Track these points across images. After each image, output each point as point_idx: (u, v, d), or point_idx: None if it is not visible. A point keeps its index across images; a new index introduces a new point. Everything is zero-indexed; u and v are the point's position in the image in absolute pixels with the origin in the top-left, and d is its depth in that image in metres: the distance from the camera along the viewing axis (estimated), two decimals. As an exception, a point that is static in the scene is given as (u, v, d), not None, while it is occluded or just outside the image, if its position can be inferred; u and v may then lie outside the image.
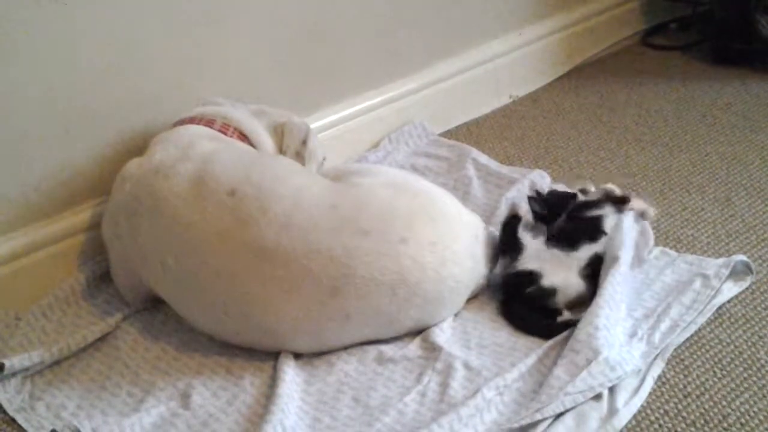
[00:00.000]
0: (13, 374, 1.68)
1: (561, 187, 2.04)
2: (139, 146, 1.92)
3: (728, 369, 1.60)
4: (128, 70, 1.94)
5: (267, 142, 1.95)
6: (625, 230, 1.80)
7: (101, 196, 1.95)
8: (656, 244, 1.92)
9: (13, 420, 1.61)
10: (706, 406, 1.52)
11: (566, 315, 1.72)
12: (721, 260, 1.80)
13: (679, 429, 1.49)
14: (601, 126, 2.55)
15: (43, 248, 1.90)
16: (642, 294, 1.75)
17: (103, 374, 1.71)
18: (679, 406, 1.53)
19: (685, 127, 2.50)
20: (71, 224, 1.94)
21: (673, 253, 1.88)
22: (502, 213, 2.05)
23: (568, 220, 1.83)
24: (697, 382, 1.57)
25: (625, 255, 1.75)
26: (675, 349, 1.64)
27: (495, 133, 2.57)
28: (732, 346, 1.65)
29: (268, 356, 1.69)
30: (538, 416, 1.47)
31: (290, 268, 1.61)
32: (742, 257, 1.80)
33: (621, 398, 1.52)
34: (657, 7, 3.11)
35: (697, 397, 1.54)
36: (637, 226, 1.87)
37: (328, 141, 2.26)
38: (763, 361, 1.61)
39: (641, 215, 1.92)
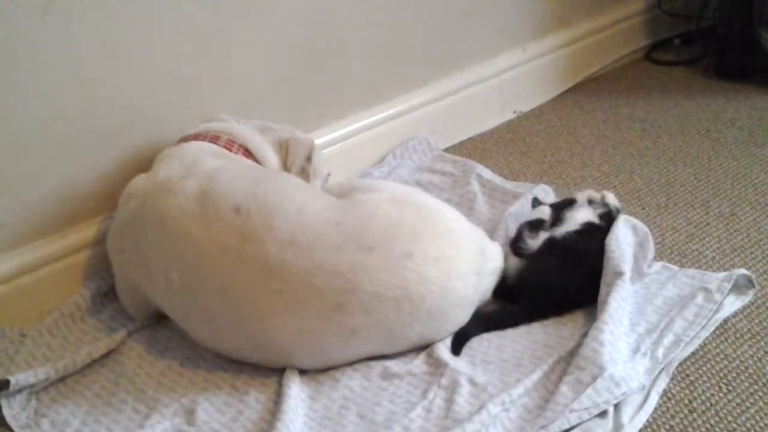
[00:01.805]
0: (19, 391, 1.68)
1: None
2: (143, 163, 1.92)
3: (734, 384, 1.59)
4: (133, 87, 1.95)
5: (271, 158, 1.95)
6: (622, 241, 1.81)
7: (106, 213, 1.95)
8: (660, 259, 1.92)
9: (18, 436, 1.61)
10: (712, 422, 1.52)
11: None
12: (722, 274, 1.80)
13: (685, 444, 1.49)
14: (605, 141, 2.55)
15: (48, 265, 1.91)
16: (644, 309, 1.75)
17: (108, 390, 1.71)
18: (685, 422, 1.52)
19: (689, 141, 2.50)
20: (76, 240, 1.94)
21: (674, 267, 1.88)
22: (506, 228, 2.06)
23: None
24: (703, 398, 1.57)
25: (627, 269, 1.76)
26: (680, 364, 1.64)
27: (499, 148, 2.57)
28: (738, 361, 1.64)
29: (273, 372, 1.69)
30: (543, 432, 1.48)
31: (295, 284, 1.61)
32: (744, 271, 1.80)
33: (626, 414, 1.52)
34: (660, 22, 3.12)
35: (703, 412, 1.54)
36: (634, 237, 1.87)
37: (332, 157, 2.26)
38: (769, 376, 1.61)
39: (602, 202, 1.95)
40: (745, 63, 2.81)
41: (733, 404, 1.55)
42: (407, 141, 2.49)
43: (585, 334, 1.67)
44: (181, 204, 1.70)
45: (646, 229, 1.91)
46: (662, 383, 1.59)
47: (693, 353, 1.66)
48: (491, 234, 2.00)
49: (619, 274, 1.75)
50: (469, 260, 1.72)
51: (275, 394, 1.65)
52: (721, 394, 1.57)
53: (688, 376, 1.62)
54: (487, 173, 2.33)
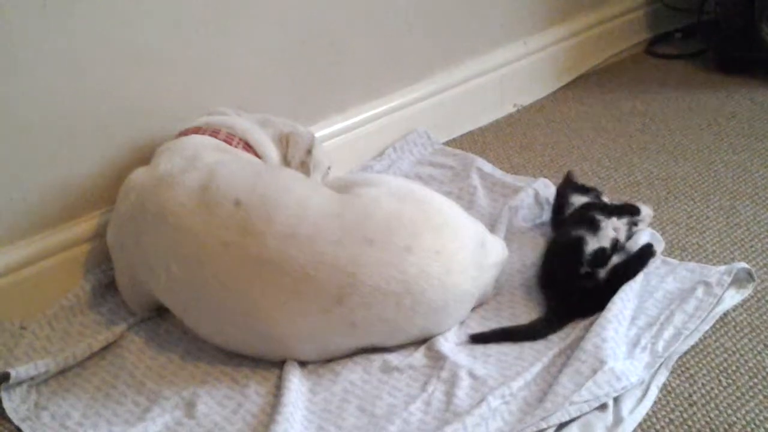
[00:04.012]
0: (19, 383, 1.68)
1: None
2: (144, 156, 1.92)
3: (734, 377, 1.60)
4: (133, 80, 1.95)
5: (272, 151, 1.95)
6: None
7: (106, 206, 1.95)
8: (660, 252, 1.92)
9: (19, 429, 1.61)
10: (712, 415, 1.52)
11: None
12: (722, 267, 1.80)
13: (684, 438, 1.49)
14: (606, 134, 2.55)
15: (48, 257, 1.91)
16: (644, 302, 1.75)
17: (108, 383, 1.71)
18: (685, 415, 1.52)
19: (690, 135, 2.50)
20: (76, 233, 1.94)
21: (674, 261, 1.88)
22: (506, 221, 2.06)
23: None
24: (703, 391, 1.57)
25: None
26: (680, 358, 1.64)
27: (499, 141, 2.57)
28: (737, 354, 1.65)
29: (273, 365, 1.70)
30: (543, 425, 1.48)
31: (295, 278, 1.61)
32: (744, 264, 1.80)
33: (626, 407, 1.52)
34: (661, 15, 3.12)
35: (703, 405, 1.54)
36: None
37: (332, 150, 2.26)
38: (768, 370, 1.61)
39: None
40: (746, 57, 2.81)
41: (733, 398, 1.55)
42: (407, 134, 2.49)
43: (586, 328, 1.67)
44: (181, 197, 1.70)
45: (662, 239, 1.92)
46: (662, 377, 1.59)
47: (693, 347, 1.66)
48: (492, 227, 2.01)
49: None
50: (469, 254, 1.72)
51: (275, 387, 1.65)
52: (720, 388, 1.57)
53: (688, 369, 1.62)
54: (487, 167, 2.33)
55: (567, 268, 1.78)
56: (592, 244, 1.78)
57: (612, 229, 1.81)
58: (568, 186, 2.03)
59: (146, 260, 1.74)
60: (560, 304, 1.76)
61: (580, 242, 1.79)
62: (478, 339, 1.71)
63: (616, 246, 1.80)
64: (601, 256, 1.77)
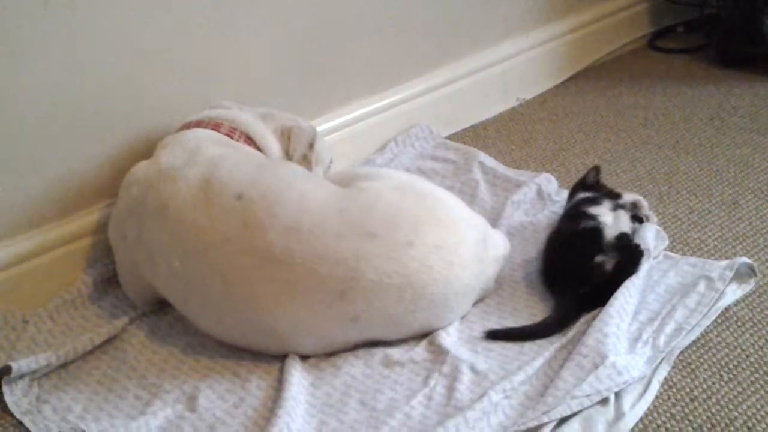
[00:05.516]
0: (20, 377, 1.68)
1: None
2: (145, 149, 1.92)
3: (735, 372, 1.60)
4: (135, 74, 1.95)
5: (274, 145, 1.95)
6: (648, 243, 1.81)
7: (108, 199, 1.95)
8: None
9: (20, 423, 1.61)
10: (713, 410, 1.52)
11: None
12: (724, 262, 1.80)
13: (685, 432, 1.49)
14: (608, 129, 2.55)
15: (50, 251, 1.91)
16: (646, 297, 1.75)
17: (110, 377, 1.71)
18: (686, 410, 1.52)
19: (692, 130, 2.49)
20: (78, 227, 1.94)
21: (676, 255, 1.88)
22: (508, 216, 2.06)
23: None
24: (704, 386, 1.57)
25: (643, 267, 1.76)
26: (682, 353, 1.64)
27: (502, 136, 2.57)
28: (739, 350, 1.65)
29: (275, 359, 1.70)
30: (545, 419, 1.48)
31: (297, 272, 1.61)
32: (746, 259, 1.80)
33: (627, 402, 1.52)
34: (664, 10, 3.11)
35: (704, 400, 1.54)
36: (656, 241, 1.87)
37: (335, 144, 2.26)
38: (770, 365, 1.61)
39: (634, 206, 1.91)
40: (749, 51, 2.81)
41: (735, 392, 1.55)
42: (409, 128, 2.49)
43: (587, 322, 1.67)
44: (183, 191, 1.70)
45: (666, 236, 1.91)
46: (663, 371, 1.59)
47: (694, 341, 1.66)
48: (493, 222, 2.00)
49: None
50: (471, 248, 1.72)
51: (277, 381, 1.65)
52: (722, 383, 1.57)
53: (689, 364, 1.62)
54: (489, 161, 2.33)
55: (581, 258, 1.77)
56: (610, 231, 1.78)
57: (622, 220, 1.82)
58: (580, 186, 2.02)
59: (148, 254, 1.74)
60: (571, 298, 1.74)
61: (595, 232, 1.79)
62: (493, 336, 1.71)
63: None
64: (626, 239, 1.77)
